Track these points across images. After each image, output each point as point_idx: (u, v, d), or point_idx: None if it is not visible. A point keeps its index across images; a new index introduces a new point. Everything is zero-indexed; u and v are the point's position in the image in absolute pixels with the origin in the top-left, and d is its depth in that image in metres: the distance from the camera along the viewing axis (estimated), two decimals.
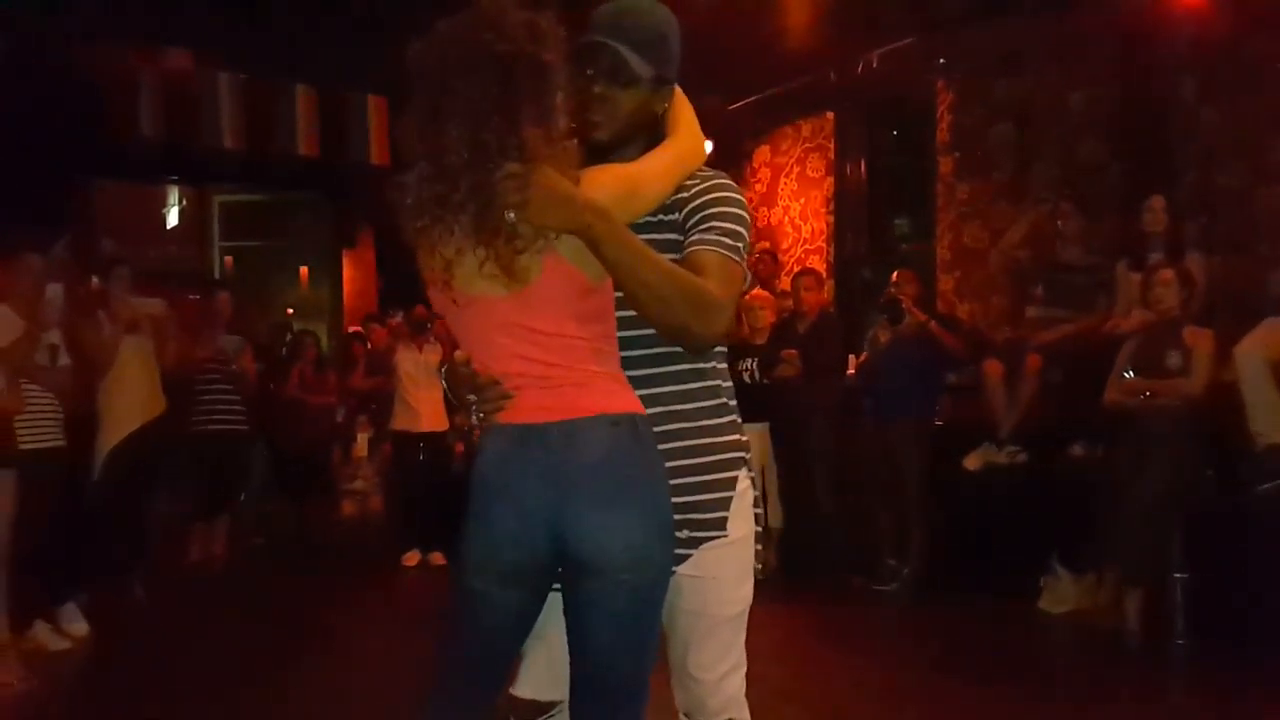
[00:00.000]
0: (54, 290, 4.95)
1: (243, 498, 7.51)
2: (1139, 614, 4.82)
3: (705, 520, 1.90)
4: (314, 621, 5.56)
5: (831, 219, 8.46)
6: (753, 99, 8.60)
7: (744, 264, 1.86)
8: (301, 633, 5.28)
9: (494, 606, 1.81)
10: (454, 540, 1.93)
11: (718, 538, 1.90)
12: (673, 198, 1.89)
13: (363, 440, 9.21)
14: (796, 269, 7.85)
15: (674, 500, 1.81)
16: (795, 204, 8.79)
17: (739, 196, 1.92)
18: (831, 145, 8.45)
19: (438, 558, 6.63)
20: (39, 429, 4.81)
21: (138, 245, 10.01)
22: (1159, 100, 6.39)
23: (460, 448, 6.99)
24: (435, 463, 6.84)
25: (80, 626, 5.06)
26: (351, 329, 9.89)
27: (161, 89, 7.75)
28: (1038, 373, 5.70)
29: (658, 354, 1.89)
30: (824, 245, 8.50)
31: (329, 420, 8.56)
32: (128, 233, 10.19)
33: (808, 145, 8.68)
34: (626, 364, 1.87)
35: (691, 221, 1.86)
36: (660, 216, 1.89)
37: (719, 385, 1.96)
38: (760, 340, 6.65)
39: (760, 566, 2.01)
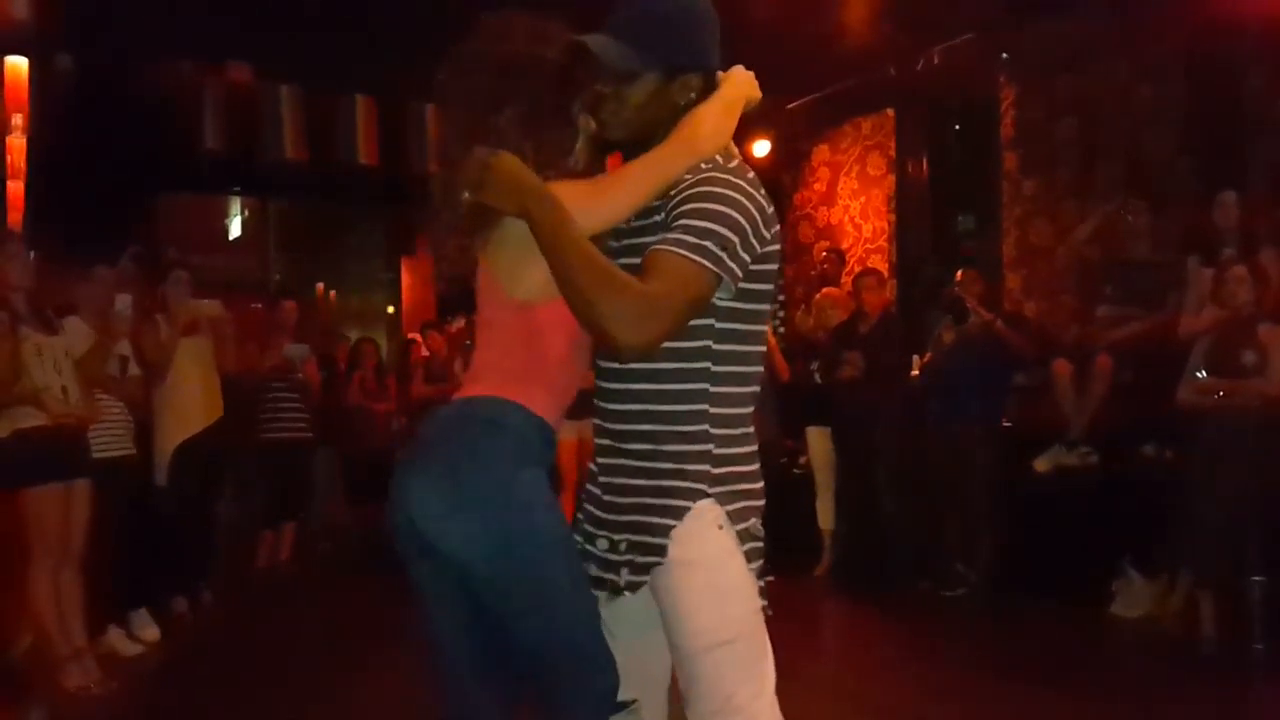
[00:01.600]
0: (123, 302, 5.06)
1: (309, 505, 7.62)
2: (1214, 618, 4.73)
3: (645, 543, 1.80)
4: (379, 626, 5.60)
5: (893, 217, 8.37)
6: (811, 97, 8.54)
7: (712, 263, 1.65)
8: (367, 637, 5.33)
9: (416, 577, 1.89)
10: None
11: (656, 562, 1.78)
12: (664, 197, 1.77)
13: None
14: (858, 269, 7.77)
15: (625, 517, 1.83)
16: (855, 203, 8.70)
17: (729, 192, 1.72)
18: (892, 143, 8.36)
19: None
20: (111, 438, 4.94)
21: (201, 255, 10.20)
22: (1228, 92, 6.23)
23: None
24: None
25: (152, 631, 5.18)
26: (410, 336, 9.99)
27: (223, 102, 7.89)
28: (1108, 372, 5.59)
29: (649, 370, 1.79)
30: (885, 244, 8.40)
31: (390, 427, 8.64)
32: (191, 243, 10.38)
33: (868, 143, 8.59)
34: (607, 374, 1.86)
35: (670, 221, 1.72)
36: (649, 219, 1.79)
37: (705, 410, 1.80)
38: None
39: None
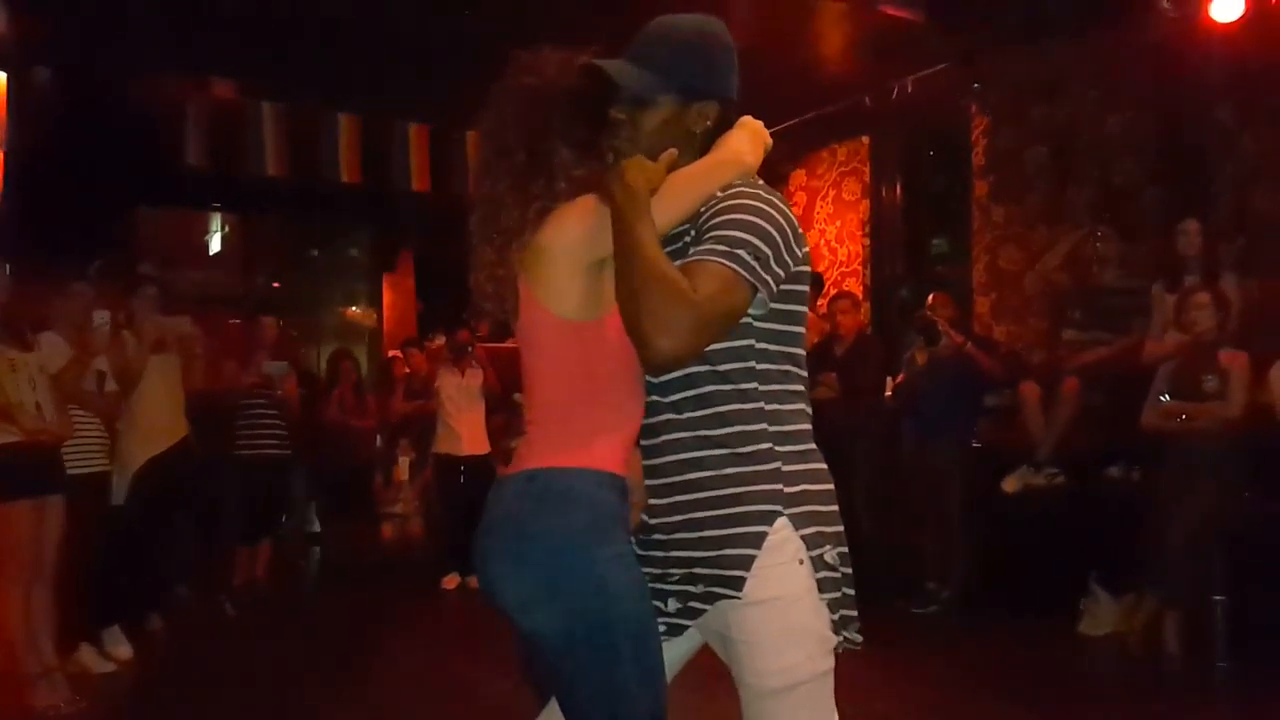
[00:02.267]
0: (100, 317, 5.06)
1: (285, 521, 7.60)
2: (1179, 636, 4.79)
3: (720, 576, 1.73)
4: (354, 643, 5.60)
5: (868, 241, 8.48)
6: (789, 123, 8.63)
7: (747, 271, 1.64)
8: (342, 655, 5.33)
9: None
10: None
11: (733, 597, 1.71)
12: (693, 215, 1.77)
13: (404, 464, 9.29)
14: (833, 291, 7.86)
15: (695, 553, 1.76)
16: (831, 227, 8.81)
17: (758, 204, 1.72)
18: (867, 169, 8.48)
19: (477, 581, 6.64)
20: (86, 454, 4.93)
21: (181, 270, 10.20)
22: (1195, 124, 6.36)
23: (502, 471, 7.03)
24: (477, 486, 6.88)
25: (124, 649, 5.12)
26: (391, 353, 10.01)
27: (206, 118, 7.91)
28: (1075, 395, 5.68)
29: (696, 395, 1.76)
30: (860, 268, 8.51)
31: (369, 444, 8.65)
32: (171, 258, 10.39)
33: (843, 169, 8.70)
34: (650, 408, 1.81)
35: (701, 235, 1.71)
36: (679, 242, 1.78)
37: (764, 429, 1.74)
38: None
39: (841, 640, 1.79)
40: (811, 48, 7.27)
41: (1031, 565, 5.59)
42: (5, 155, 7.13)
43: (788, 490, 1.73)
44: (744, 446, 1.74)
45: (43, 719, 4.24)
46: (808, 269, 1.80)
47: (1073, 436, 5.72)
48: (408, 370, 8.62)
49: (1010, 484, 5.88)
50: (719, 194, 1.75)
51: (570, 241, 1.76)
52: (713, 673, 1.91)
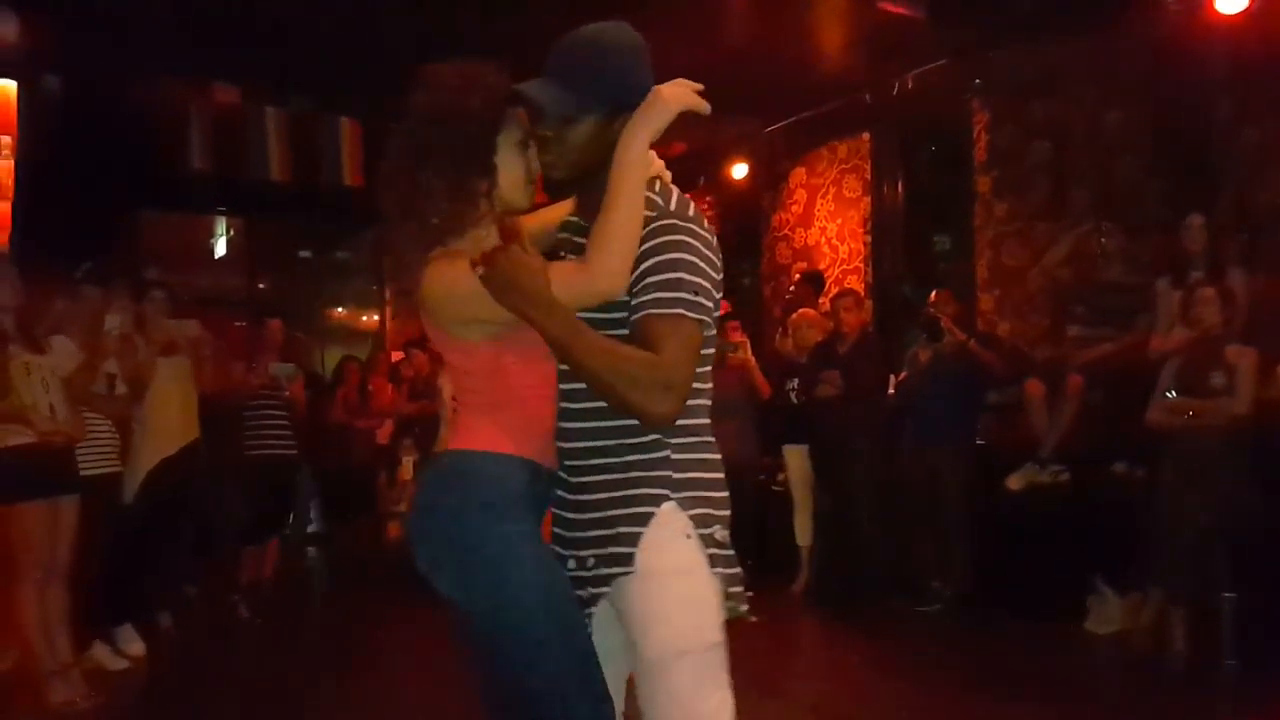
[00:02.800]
0: (111, 321, 5.11)
1: (291, 521, 7.63)
2: (1185, 634, 4.79)
3: (614, 555, 1.85)
4: (360, 642, 5.64)
5: (869, 239, 8.48)
6: (788, 121, 8.69)
7: (693, 311, 1.77)
8: (348, 652, 5.37)
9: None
10: None
11: (625, 572, 1.83)
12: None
13: (408, 464, 9.31)
14: (835, 289, 7.88)
15: (594, 533, 1.88)
16: (832, 224, 8.83)
17: (683, 238, 1.80)
18: (868, 165, 8.48)
19: None
20: (98, 455, 4.98)
21: (186, 273, 10.22)
22: (1196, 119, 6.37)
23: None
24: None
25: (137, 646, 5.21)
26: (394, 355, 10.04)
27: (210, 123, 7.95)
28: (1080, 392, 5.69)
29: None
30: (861, 265, 8.51)
31: (373, 444, 8.68)
32: (176, 261, 10.42)
33: (844, 166, 8.71)
34: (562, 385, 1.92)
35: (634, 286, 1.79)
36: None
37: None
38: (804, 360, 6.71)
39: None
40: (811, 45, 7.29)
41: (1036, 563, 5.60)
42: (15, 164, 7.16)
43: (676, 476, 1.85)
44: (638, 437, 1.85)
45: (59, 715, 4.30)
46: (720, 275, 1.89)
47: (1077, 433, 5.71)
48: (411, 372, 8.65)
49: (1015, 481, 5.88)
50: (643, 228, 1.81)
51: (447, 307, 1.87)
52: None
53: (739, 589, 1.90)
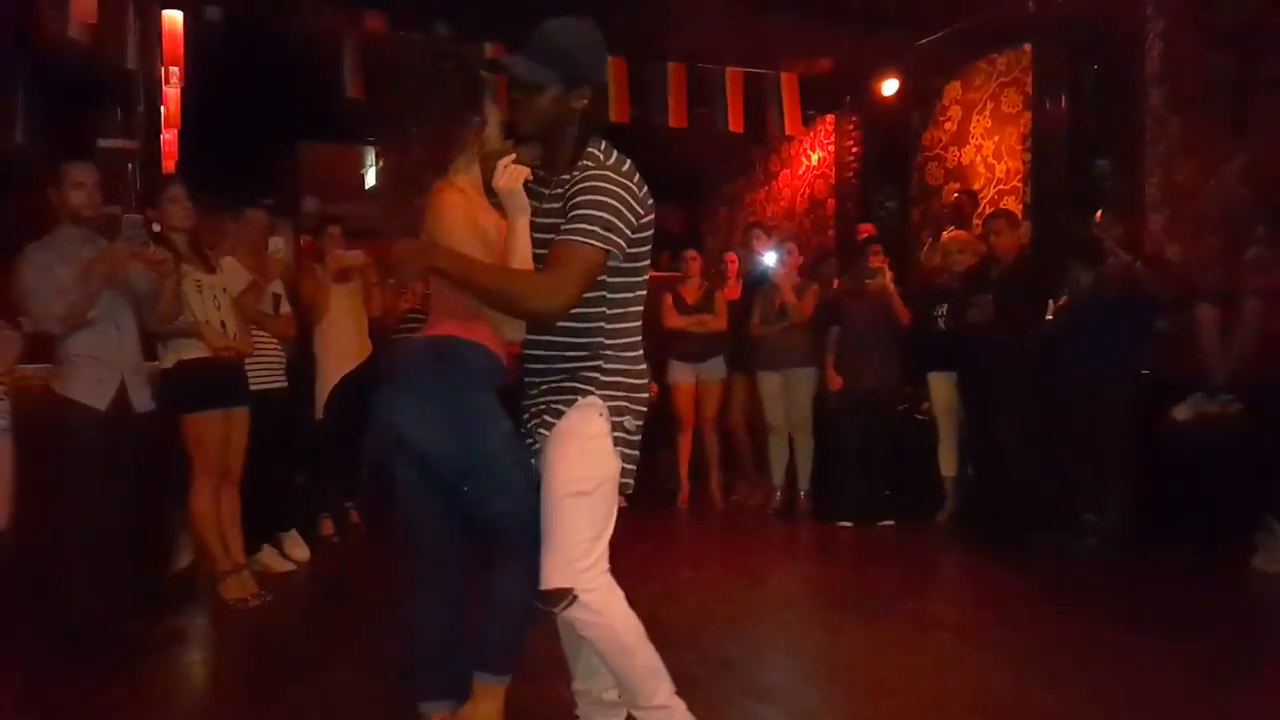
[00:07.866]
0: (275, 244, 5.33)
1: None
2: None
3: (544, 421, 2.52)
4: None
5: (1028, 157, 8.09)
6: (943, 33, 8.28)
7: (600, 241, 2.33)
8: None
9: (396, 470, 2.63)
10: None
11: (550, 425, 2.49)
12: (562, 190, 2.45)
13: None
14: (988, 210, 7.57)
15: (535, 406, 2.57)
16: (988, 142, 8.45)
17: (605, 184, 2.37)
18: (1029, 79, 8.05)
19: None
20: (266, 371, 5.23)
21: (338, 203, 10.55)
22: None
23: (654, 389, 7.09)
24: None
25: (302, 551, 5.52)
26: None
27: (359, 52, 8.09)
28: (1257, 318, 5.34)
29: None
30: (1020, 185, 8.14)
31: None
32: (330, 191, 10.76)
33: (1003, 79, 8.30)
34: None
35: (567, 211, 2.39)
36: (557, 204, 2.45)
37: (601, 328, 2.48)
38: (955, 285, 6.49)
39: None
40: None
41: (1202, 497, 5.35)
42: (183, 92, 7.48)
43: (603, 379, 2.49)
44: (586, 339, 2.48)
45: (232, 610, 4.59)
46: (651, 217, 2.47)
47: (1253, 362, 5.38)
48: None
49: (1182, 411, 5.61)
50: (576, 173, 2.43)
51: (435, 229, 2.53)
52: None
53: (633, 468, 2.55)
